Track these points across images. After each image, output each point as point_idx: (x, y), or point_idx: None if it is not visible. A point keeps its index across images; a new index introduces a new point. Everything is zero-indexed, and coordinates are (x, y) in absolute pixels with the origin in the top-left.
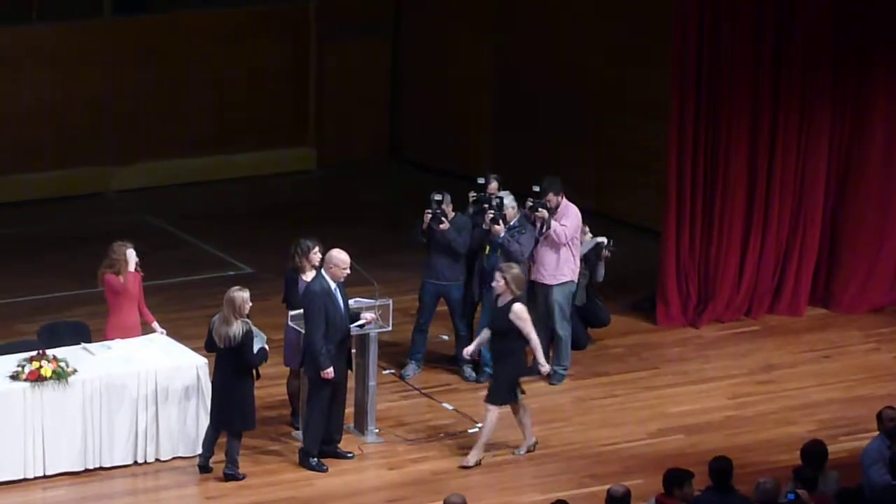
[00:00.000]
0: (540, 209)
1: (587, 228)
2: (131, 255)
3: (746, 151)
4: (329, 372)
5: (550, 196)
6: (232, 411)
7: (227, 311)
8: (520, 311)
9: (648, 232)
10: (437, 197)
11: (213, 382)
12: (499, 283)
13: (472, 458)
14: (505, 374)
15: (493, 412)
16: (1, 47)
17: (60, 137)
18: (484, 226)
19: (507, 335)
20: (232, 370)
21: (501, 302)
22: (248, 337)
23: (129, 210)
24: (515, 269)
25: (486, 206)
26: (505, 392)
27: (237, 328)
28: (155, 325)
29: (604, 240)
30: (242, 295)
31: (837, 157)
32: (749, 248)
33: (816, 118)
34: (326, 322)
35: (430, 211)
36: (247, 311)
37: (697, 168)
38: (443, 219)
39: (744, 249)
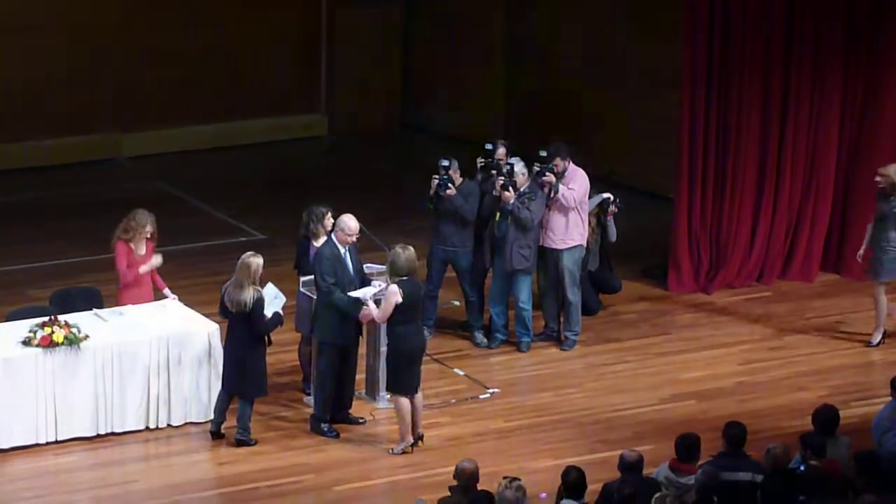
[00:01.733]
0: (547, 174)
1: (613, 198)
2: (150, 228)
3: (758, 118)
4: (368, 311)
5: (557, 160)
6: (244, 377)
7: (241, 277)
8: (389, 291)
9: (660, 198)
10: (444, 163)
11: (225, 348)
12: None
13: (398, 448)
14: (399, 359)
15: (398, 399)
16: (12, 14)
17: (71, 104)
18: (494, 192)
19: (393, 318)
20: (244, 336)
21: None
22: (258, 304)
23: (141, 176)
24: (399, 252)
25: (495, 172)
26: (402, 377)
27: (249, 295)
28: (167, 291)
29: (609, 196)
30: (256, 261)
31: (850, 123)
32: (761, 215)
33: (828, 85)
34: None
35: (436, 177)
36: (259, 278)
37: (710, 134)
38: (449, 185)
39: (756, 216)
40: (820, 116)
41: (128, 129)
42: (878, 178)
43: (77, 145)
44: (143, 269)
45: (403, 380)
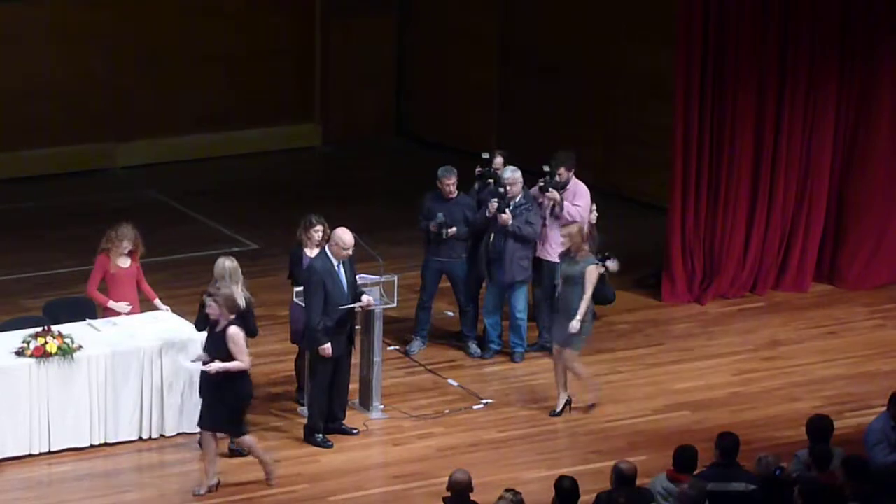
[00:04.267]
0: (551, 190)
1: (594, 207)
2: (128, 244)
3: (752, 128)
4: (326, 349)
5: (562, 170)
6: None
7: (229, 281)
8: (232, 336)
9: (654, 208)
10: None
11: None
12: (212, 308)
13: (203, 488)
14: (226, 403)
15: (208, 439)
16: (5, 23)
17: (66, 113)
18: (487, 213)
19: (229, 361)
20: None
21: (219, 327)
22: (249, 304)
23: (135, 186)
24: (226, 291)
25: (492, 181)
26: (226, 420)
27: (236, 292)
28: (157, 302)
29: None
30: (227, 263)
31: (844, 133)
32: (755, 225)
33: (823, 95)
34: (326, 299)
35: (435, 225)
36: (240, 277)
37: (703, 145)
38: (447, 230)
39: (749, 226)
40: (814, 127)
41: (122, 139)
42: (562, 240)
43: (72, 155)
44: (112, 305)
45: (244, 419)
